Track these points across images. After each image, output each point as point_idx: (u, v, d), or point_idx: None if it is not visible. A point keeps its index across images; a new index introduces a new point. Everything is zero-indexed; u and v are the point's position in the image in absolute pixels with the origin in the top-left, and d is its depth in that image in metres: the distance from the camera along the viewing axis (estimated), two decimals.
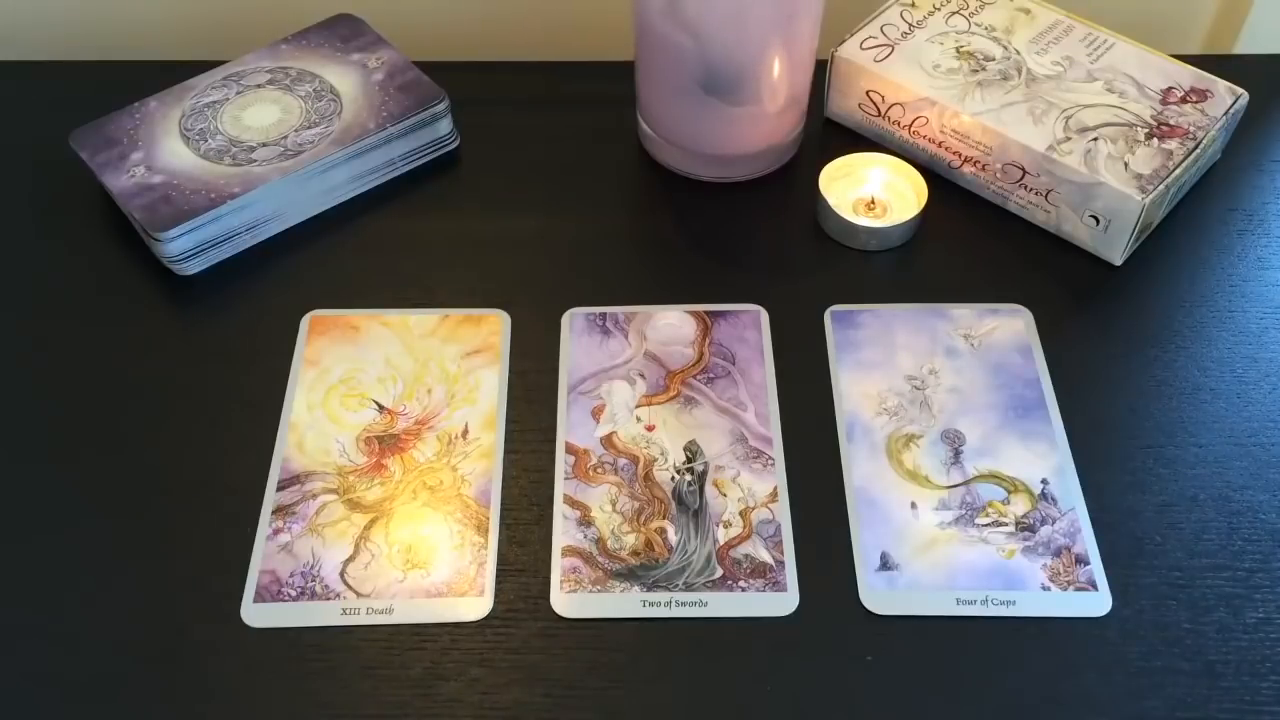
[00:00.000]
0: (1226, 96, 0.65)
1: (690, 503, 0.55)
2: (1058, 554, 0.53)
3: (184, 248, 0.63)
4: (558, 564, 0.53)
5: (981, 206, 0.67)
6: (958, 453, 0.56)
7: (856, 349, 0.60)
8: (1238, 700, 0.49)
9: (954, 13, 0.70)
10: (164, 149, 0.65)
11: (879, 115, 0.69)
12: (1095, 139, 0.63)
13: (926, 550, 0.53)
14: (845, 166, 0.67)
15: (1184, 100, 0.65)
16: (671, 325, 0.61)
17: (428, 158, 0.69)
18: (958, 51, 0.68)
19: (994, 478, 0.55)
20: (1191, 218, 0.66)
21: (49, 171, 0.68)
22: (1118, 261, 0.64)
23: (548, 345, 0.61)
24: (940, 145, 0.67)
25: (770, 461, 0.56)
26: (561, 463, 0.56)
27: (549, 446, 0.57)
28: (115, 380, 0.59)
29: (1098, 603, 0.51)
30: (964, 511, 0.54)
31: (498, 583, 0.52)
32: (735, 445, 0.57)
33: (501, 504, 0.55)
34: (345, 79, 0.69)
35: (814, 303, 0.62)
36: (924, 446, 0.56)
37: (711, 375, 0.59)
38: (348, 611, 0.51)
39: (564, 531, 0.54)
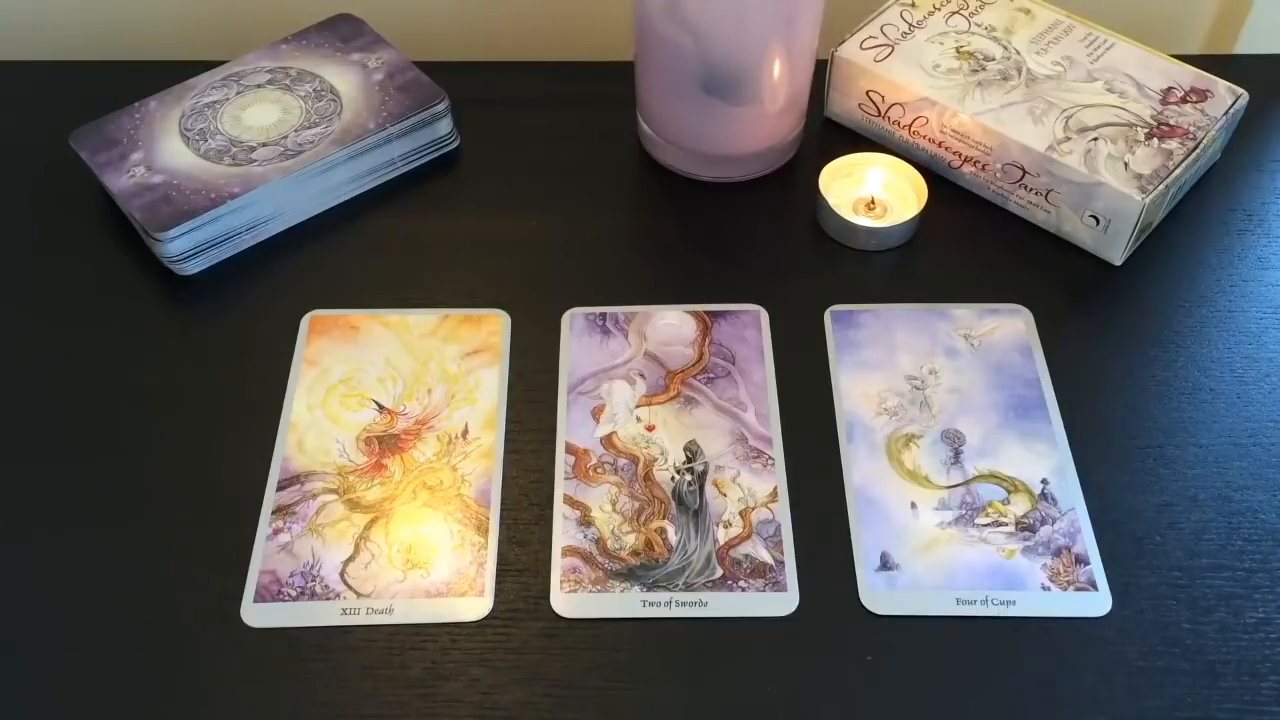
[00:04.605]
0: (1226, 96, 0.65)
1: (690, 503, 0.55)
2: (1058, 554, 0.53)
3: (184, 248, 0.63)
4: (558, 564, 0.53)
5: (981, 206, 0.67)
6: (958, 453, 0.56)
7: (856, 349, 0.60)
8: (1238, 700, 0.49)
9: (954, 13, 0.70)
10: (164, 149, 0.65)
11: (879, 115, 0.69)
12: (1095, 139, 0.63)
13: (926, 550, 0.53)
14: (845, 166, 0.67)
15: (1184, 100, 0.65)
16: (671, 325, 0.61)
17: (428, 158, 0.69)
18: (958, 51, 0.68)
19: (994, 478, 0.55)
20: (1191, 218, 0.66)
21: (49, 171, 0.68)
22: (1118, 261, 0.64)
23: (548, 345, 0.61)
24: (940, 145, 0.67)
25: (770, 461, 0.56)
26: (561, 463, 0.56)
27: (549, 446, 0.57)
28: (115, 380, 0.59)
29: (1098, 603, 0.51)
30: (964, 511, 0.54)
31: (498, 583, 0.52)
32: (735, 445, 0.57)
33: (501, 504, 0.55)
34: (345, 79, 0.69)
35: (814, 303, 0.62)
36: (924, 446, 0.56)
37: (711, 375, 0.59)
38: (348, 611, 0.51)
39: (564, 531, 0.54)
